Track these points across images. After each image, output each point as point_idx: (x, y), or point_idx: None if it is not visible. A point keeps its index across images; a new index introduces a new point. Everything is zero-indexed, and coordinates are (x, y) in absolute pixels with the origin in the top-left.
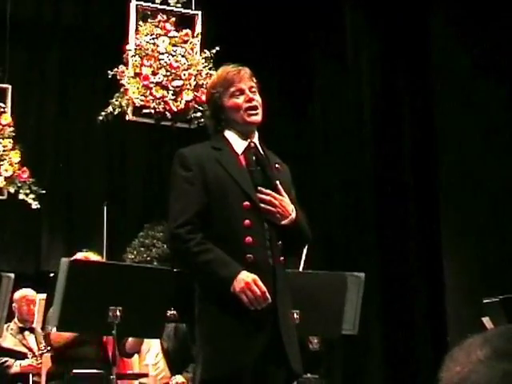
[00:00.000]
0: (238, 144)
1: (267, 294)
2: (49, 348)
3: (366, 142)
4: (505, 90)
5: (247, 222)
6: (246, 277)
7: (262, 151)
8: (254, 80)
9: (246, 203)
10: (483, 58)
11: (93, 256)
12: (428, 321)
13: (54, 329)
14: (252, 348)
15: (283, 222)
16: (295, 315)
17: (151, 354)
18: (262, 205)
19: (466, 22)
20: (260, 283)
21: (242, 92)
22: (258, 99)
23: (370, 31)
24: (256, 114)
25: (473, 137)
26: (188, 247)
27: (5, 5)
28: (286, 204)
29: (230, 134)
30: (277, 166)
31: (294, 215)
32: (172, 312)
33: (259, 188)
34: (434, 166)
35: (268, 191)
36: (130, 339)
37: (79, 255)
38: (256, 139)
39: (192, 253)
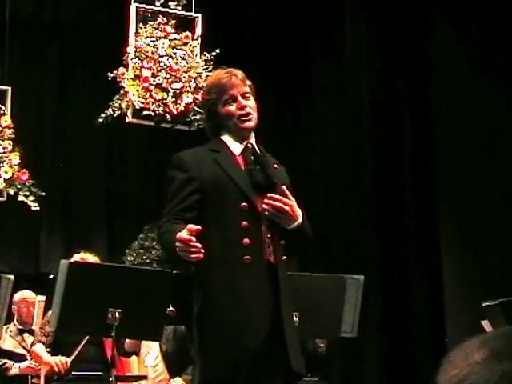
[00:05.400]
0: (235, 146)
1: (193, 240)
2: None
3: (365, 144)
4: (505, 90)
5: (244, 223)
6: (177, 237)
7: (259, 151)
8: (248, 83)
9: (244, 204)
10: (483, 58)
11: (90, 257)
12: (427, 323)
13: (39, 346)
14: (251, 350)
15: (292, 226)
16: (294, 317)
17: (150, 357)
18: (272, 210)
19: (466, 22)
20: (185, 236)
21: (234, 99)
22: (250, 104)
23: (369, 32)
24: (249, 120)
25: (473, 138)
26: (160, 232)
27: (4, 7)
28: (295, 208)
29: (226, 138)
30: (275, 166)
31: (301, 219)
32: (170, 309)
33: (269, 195)
34: (433, 168)
35: (278, 196)
36: None
37: (76, 257)
38: (253, 140)
39: (160, 235)
